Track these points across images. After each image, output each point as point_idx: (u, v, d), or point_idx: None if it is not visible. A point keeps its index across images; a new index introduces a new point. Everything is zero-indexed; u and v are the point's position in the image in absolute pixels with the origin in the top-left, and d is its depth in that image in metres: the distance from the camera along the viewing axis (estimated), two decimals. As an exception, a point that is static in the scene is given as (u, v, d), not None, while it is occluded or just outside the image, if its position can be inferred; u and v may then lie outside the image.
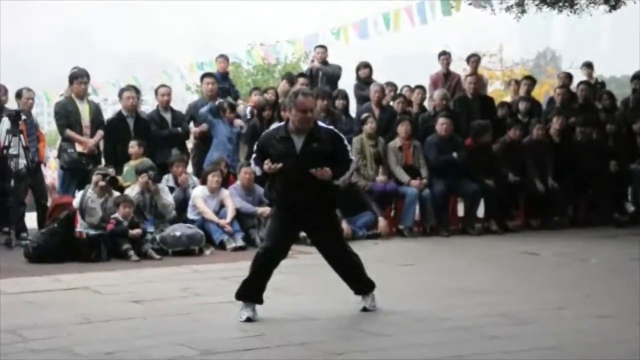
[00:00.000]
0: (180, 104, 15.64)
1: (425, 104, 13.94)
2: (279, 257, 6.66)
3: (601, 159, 13.06)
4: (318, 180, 6.54)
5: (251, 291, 6.63)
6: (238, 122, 12.28)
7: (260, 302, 6.64)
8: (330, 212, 6.90)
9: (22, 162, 11.13)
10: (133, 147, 11.41)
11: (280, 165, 6.50)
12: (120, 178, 11.22)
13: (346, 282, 6.96)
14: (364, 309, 6.85)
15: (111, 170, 11.13)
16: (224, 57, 14.21)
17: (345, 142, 6.82)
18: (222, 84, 13.27)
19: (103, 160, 11.92)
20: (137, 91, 12.65)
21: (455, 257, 10.26)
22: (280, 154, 6.56)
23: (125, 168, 11.36)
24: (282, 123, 6.90)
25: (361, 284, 6.94)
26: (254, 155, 6.85)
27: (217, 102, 12.25)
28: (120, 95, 12.20)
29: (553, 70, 39.21)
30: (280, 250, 6.68)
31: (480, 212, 12.55)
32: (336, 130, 6.87)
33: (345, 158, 6.74)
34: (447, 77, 14.50)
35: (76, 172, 11.50)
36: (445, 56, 14.60)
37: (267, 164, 6.54)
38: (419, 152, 12.27)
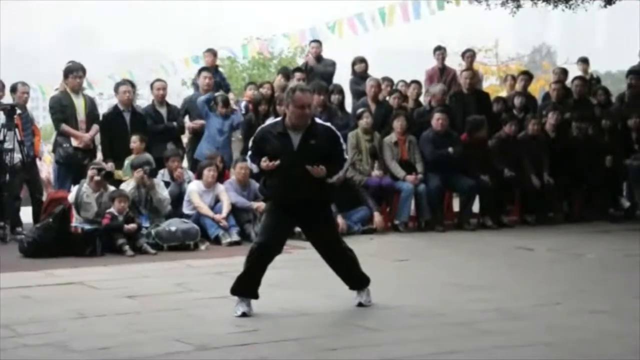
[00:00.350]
0: (176, 99, 15.62)
1: (421, 99, 13.92)
2: (273, 252, 6.66)
3: (596, 154, 13.06)
4: (314, 177, 6.53)
5: (246, 286, 6.63)
6: (234, 107, 12.33)
7: (256, 297, 6.64)
8: (325, 208, 6.90)
9: (17, 156, 11.10)
10: (135, 142, 11.39)
11: (277, 162, 6.48)
12: (120, 172, 11.22)
13: (341, 278, 6.96)
14: (360, 305, 6.86)
15: (110, 165, 11.14)
16: (211, 52, 14.27)
17: (341, 140, 6.83)
18: (214, 77, 13.28)
19: (100, 155, 11.90)
20: (132, 85, 12.64)
21: (451, 252, 10.27)
22: (277, 150, 6.54)
23: (126, 162, 11.34)
24: (279, 119, 6.87)
25: (356, 279, 6.94)
26: (249, 152, 6.82)
27: (215, 94, 12.30)
28: (116, 89, 12.18)
29: (548, 66, 39.16)
30: (275, 245, 6.67)
31: (476, 207, 12.55)
32: (333, 128, 6.86)
33: (340, 157, 6.76)
34: (442, 72, 14.50)
35: (71, 167, 11.47)
36: (440, 51, 14.60)
37: (265, 162, 6.52)
38: (415, 147, 12.26)
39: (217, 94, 12.37)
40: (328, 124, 7.03)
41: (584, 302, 7.08)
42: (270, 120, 7.28)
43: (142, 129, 11.73)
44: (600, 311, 6.68)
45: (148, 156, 11.24)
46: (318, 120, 6.92)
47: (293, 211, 6.65)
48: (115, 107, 11.99)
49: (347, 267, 6.92)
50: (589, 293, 7.55)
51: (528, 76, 14.63)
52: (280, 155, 6.50)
